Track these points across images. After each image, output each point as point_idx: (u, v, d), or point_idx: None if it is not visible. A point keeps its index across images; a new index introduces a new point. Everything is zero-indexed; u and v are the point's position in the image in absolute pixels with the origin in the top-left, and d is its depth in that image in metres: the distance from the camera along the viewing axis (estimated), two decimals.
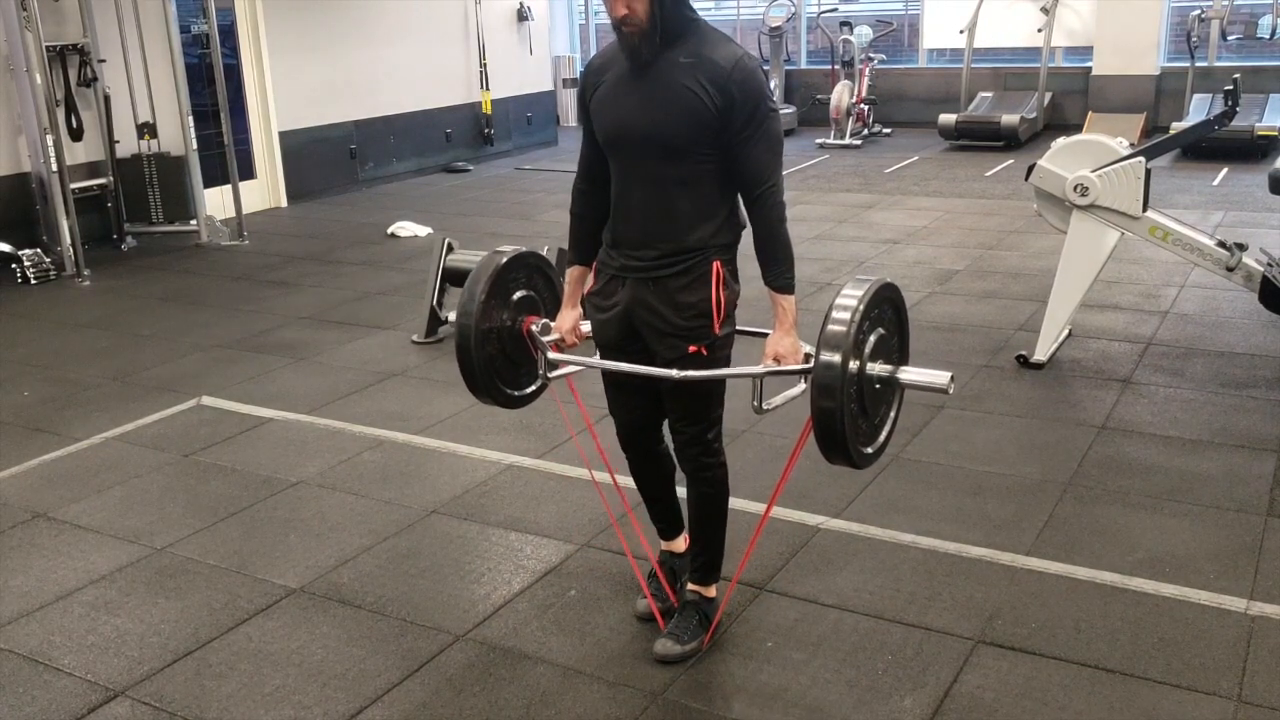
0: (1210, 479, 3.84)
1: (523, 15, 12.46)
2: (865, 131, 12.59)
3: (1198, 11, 11.32)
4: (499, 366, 2.89)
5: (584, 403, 3.28)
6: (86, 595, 3.31)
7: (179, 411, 4.82)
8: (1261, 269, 4.84)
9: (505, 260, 2.86)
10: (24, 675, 2.92)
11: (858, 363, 2.45)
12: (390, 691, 2.80)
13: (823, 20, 13.72)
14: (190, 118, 8.21)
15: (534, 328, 2.89)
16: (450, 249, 5.71)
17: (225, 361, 5.50)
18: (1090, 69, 12.35)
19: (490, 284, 2.81)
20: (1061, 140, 5.06)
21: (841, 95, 12.11)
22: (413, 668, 2.90)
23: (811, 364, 2.46)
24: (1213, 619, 2.99)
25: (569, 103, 14.43)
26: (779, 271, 2.65)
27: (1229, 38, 11.96)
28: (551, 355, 2.88)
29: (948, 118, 11.78)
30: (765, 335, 2.71)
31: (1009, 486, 3.84)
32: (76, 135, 7.91)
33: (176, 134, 8.32)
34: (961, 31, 12.26)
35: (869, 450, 2.57)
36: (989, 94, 12.45)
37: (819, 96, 13.35)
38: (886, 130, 12.96)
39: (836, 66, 12.92)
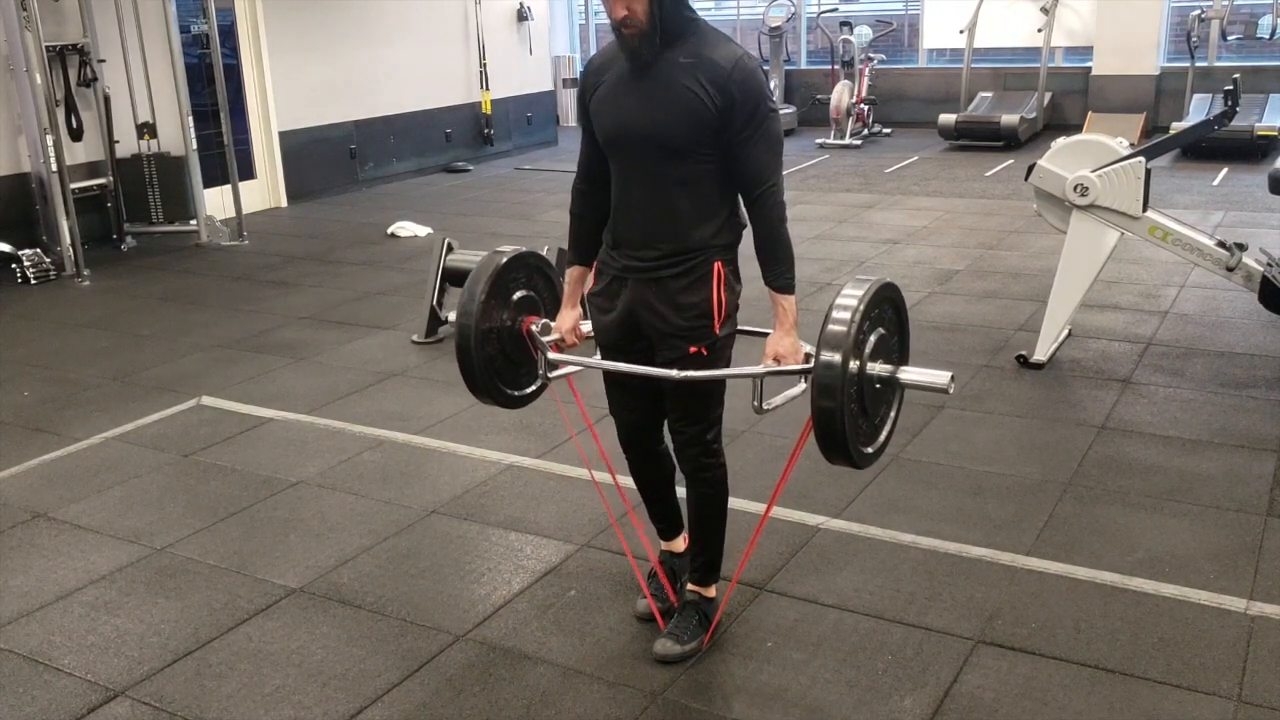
0: (1210, 479, 3.84)
1: (523, 15, 12.46)
2: (865, 131, 12.59)
3: (1198, 11, 11.32)
4: (499, 366, 2.89)
5: (584, 403, 3.28)
6: (86, 595, 3.31)
7: (179, 411, 4.83)
8: (1261, 269, 4.84)
9: (505, 260, 2.86)
10: (24, 675, 2.92)
11: (858, 363, 2.45)
12: (390, 691, 2.80)
13: (823, 20, 13.72)
14: (190, 118, 8.21)
15: (534, 328, 2.89)
16: (450, 249, 5.71)
17: (225, 361, 5.50)
18: (1090, 69, 12.35)
19: (490, 284, 2.81)
20: (1061, 140, 5.06)
21: (841, 95, 12.12)
22: (413, 668, 2.90)
23: (812, 364, 2.46)
24: (1213, 619, 2.99)
25: (569, 103, 14.43)
26: (779, 271, 2.65)
27: (1229, 38, 11.96)
28: (551, 355, 2.88)
29: (948, 118, 11.78)
30: (765, 335, 2.71)
31: (1009, 486, 3.84)
32: (76, 135, 7.91)
33: (176, 134, 8.32)
34: (961, 31, 12.26)
35: (869, 450, 2.57)
36: (989, 94, 12.45)
37: (819, 96, 13.35)
38: (886, 130, 12.96)
39: (836, 66, 12.92)
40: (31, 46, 7.11)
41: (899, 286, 2.62)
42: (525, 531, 3.62)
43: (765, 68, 11.56)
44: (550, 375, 2.92)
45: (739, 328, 2.80)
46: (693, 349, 2.68)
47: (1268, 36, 11.16)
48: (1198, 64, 11.58)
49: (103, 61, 8.07)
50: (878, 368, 2.52)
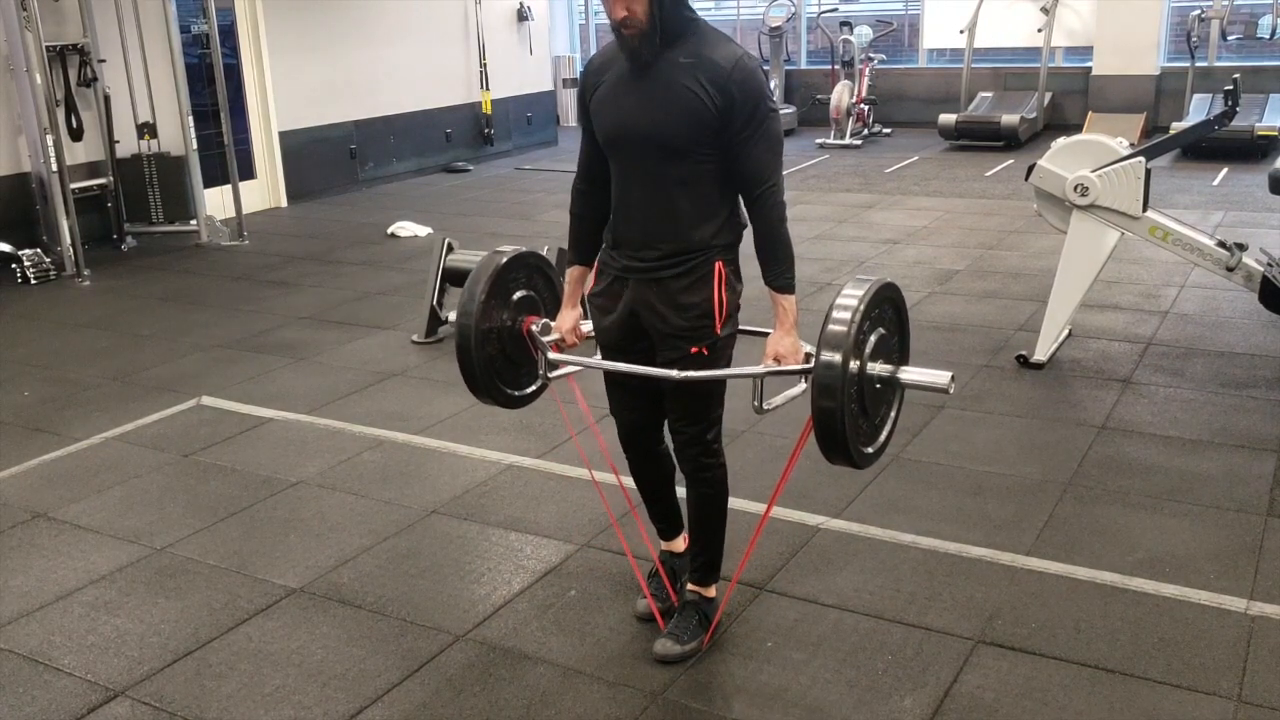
0: (1210, 479, 3.84)
1: (523, 15, 12.46)
2: (865, 131, 12.59)
3: (1198, 11, 11.32)
4: (499, 366, 2.89)
5: (585, 402, 3.28)
6: (86, 595, 3.31)
7: (179, 411, 4.83)
8: (1261, 269, 4.84)
9: (505, 260, 2.86)
10: (24, 675, 2.92)
11: (858, 362, 2.45)
12: (390, 691, 2.80)
13: (823, 20, 13.72)
14: (190, 118, 8.21)
15: (534, 328, 2.89)
16: (450, 249, 5.71)
17: (225, 361, 5.50)
18: (1090, 69, 12.35)
19: (490, 284, 2.81)
20: (1061, 140, 5.06)
21: (841, 95, 12.11)
22: (413, 668, 2.90)
23: (812, 364, 2.46)
24: (1213, 619, 2.99)
25: (569, 103, 14.43)
26: (779, 271, 2.65)
27: (1229, 38, 11.96)
28: (552, 355, 2.88)
29: (948, 118, 11.79)
30: (766, 335, 2.71)
31: (1009, 486, 3.84)
32: (76, 135, 7.91)
33: (176, 134, 8.32)
34: (961, 31, 12.26)
35: (869, 450, 2.57)
36: (989, 94, 12.45)
37: (819, 96, 13.35)
38: (886, 130, 12.96)
39: (836, 66, 12.92)
40: (31, 46, 7.11)
41: (899, 286, 2.62)
42: (525, 531, 3.62)
43: (765, 68, 11.55)
44: (550, 375, 2.92)
45: (739, 327, 2.80)
46: (694, 349, 2.68)
47: (1268, 36, 11.16)
48: (1198, 64, 11.59)
49: (103, 61, 8.07)
50: (878, 368, 2.52)
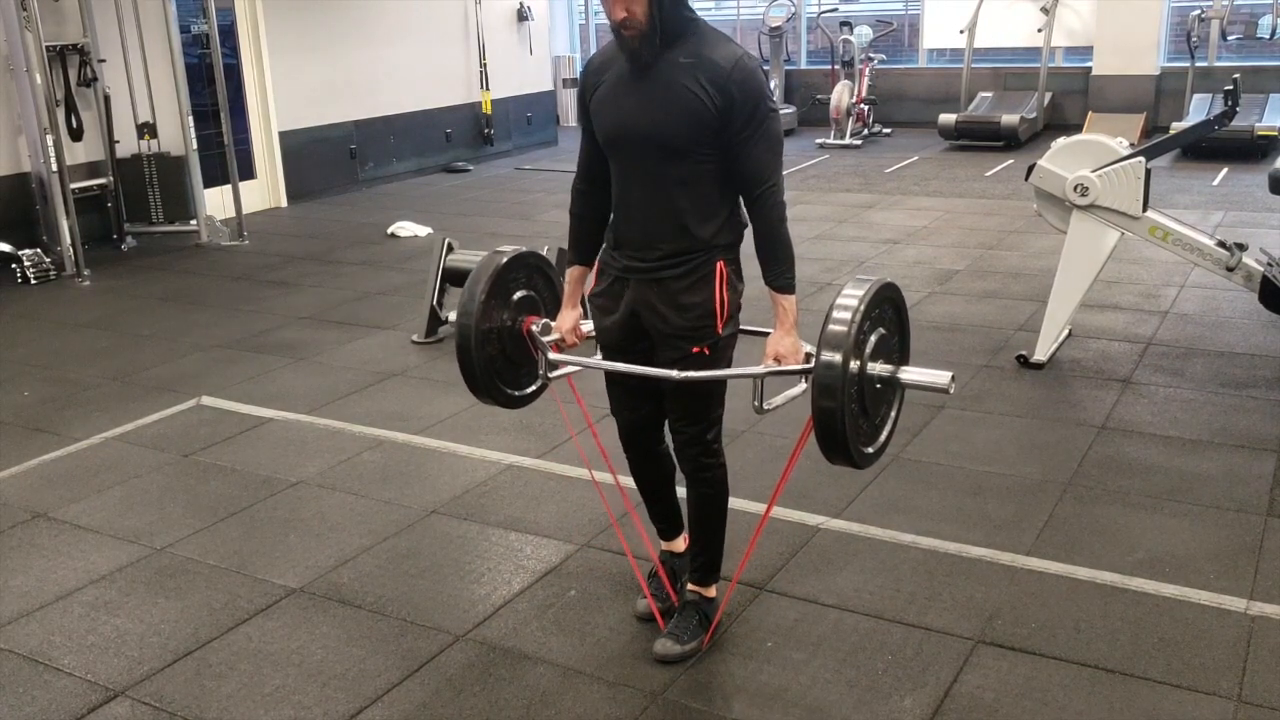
0: (1210, 479, 3.84)
1: (523, 15, 12.46)
2: (865, 131, 12.59)
3: (1198, 11, 11.32)
4: (499, 366, 2.89)
5: (584, 402, 3.28)
6: (86, 595, 3.31)
7: (179, 411, 4.82)
8: (1261, 269, 4.84)
9: (505, 260, 2.86)
10: (24, 675, 2.92)
11: (858, 362, 2.45)
12: (390, 691, 2.80)
13: (823, 20, 13.72)
14: (190, 118, 8.21)
15: (534, 328, 2.89)
16: (450, 249, 5.71)
17: (225, 361, 5.50)
18: (1090, 69, 12.35)
19: (490, 284, 2.81)
20: (1061, 140, 5.06)
21: (841, 95, 12.11)
22: (413, 668, 2.90)
23: (812, 364, 2.46)
24: (1213, 619, 2.99)
25: (569, 103, 14.43)
26: (779, 271, 2.65)
27: (1229, 38, 11.96)
28: (552, 355, 2.88)
29: (948, 118, 11.79)
30: (766, 335, 2.71)
31: (1009, 486, 3.84)
32: (76, 135, 7.91)
33: (176, 134, 8.32)
34: (961, 31, 12.26)
35: (870, 450, 2.57)
36: (989, 94, 12.45)
37: (819, 96, 13.35)
38: (886, 130, 12.96)
39: (836, 66, 12.92)
40: (31, 46, 7.11)
41: (899, 286, 2.62)
42: (525, 531, 3.62)
43: (765, 68, 11.54)
44: (550, 375, 2.92)
45: (740, 327, 2.80)
46: (695, 349, 2.68)
47: (1268, 36, 11.16)
48: (1198, 64, 11.59)
49: (103, 61, 8.07)
50: (878, 368, 2.52)
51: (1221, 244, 4.88)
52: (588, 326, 2.90)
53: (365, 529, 3.68)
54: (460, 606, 3.19)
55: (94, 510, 3.88)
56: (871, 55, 12.87)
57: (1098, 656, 2.84)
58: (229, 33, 9.20)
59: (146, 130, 8.38)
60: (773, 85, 12.88)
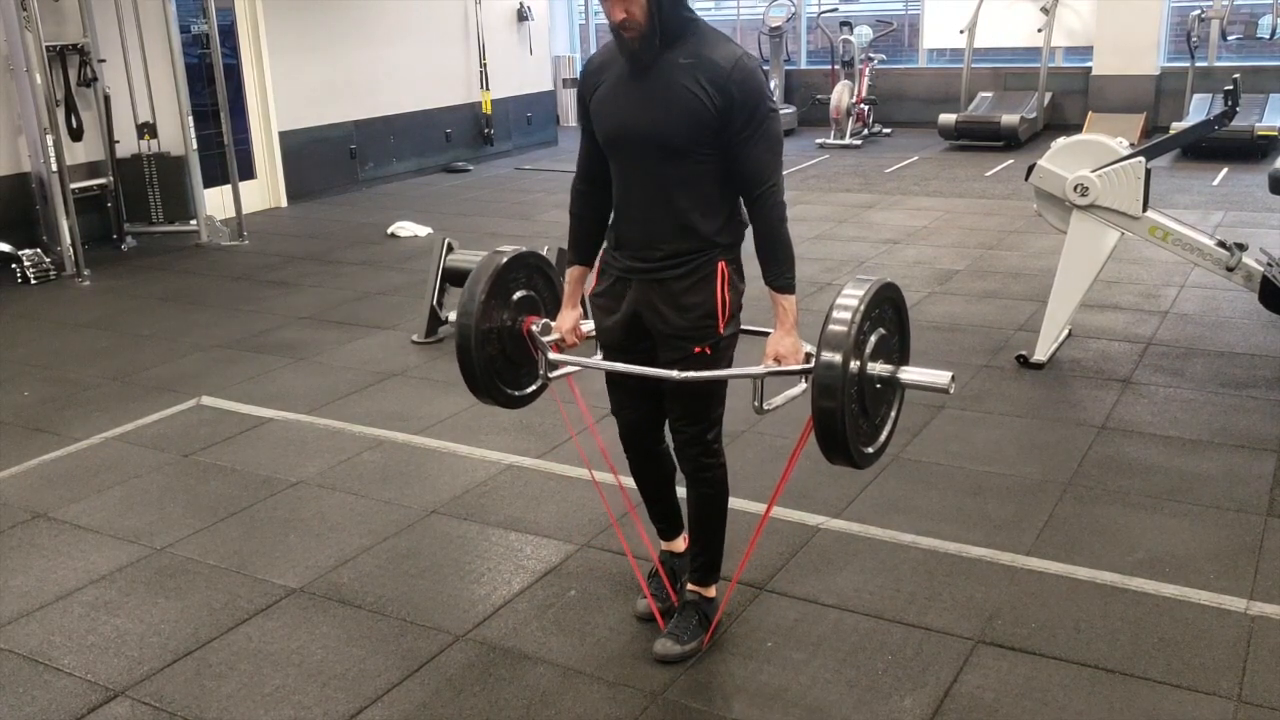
0: (1210, 479, 3.84)
1: (523, 15, 12.46)
2: (865, 131, 12.59)
3: (1198, 11, 11.32)
4: (499, 367, 2.89)
5: (584, 402, 3.28)
6: (86, 595, 3.31)
7: (179, 411, 4.83)
8: (1261, 269, 4.84)
9: (505, 260, 2.86)
10: (24, 675, 2.92)
11: (859, 363, 2.45)
12: (390, 691, 2.80)
13: (823, 20, 13.72)
14: (190, 118, 8.21)
15: (534, 328, 2.89)
16: (450, 249, 5.71)
17: (225, 361, 5.50)
18: (1090, 69, 12.35)
19: (490, 284, 2.81)
20: (1061, 140, 5.06)
21: (841, 95, 12.11)
22: (413, 668, 2.90)
23: (812, 364, 2.46)
24: (1213, 619, 2.99)
25: (569, 103, 14.43)
26: (779, 271, 2.65)
27: (1229, 38, 11.96)
28: (552, 355, 2.88)
29: (948, 118, 11.79)
30: (766, 334, 2.71)
31: (1009, 486, 3.84)
32: (76, 135, 7.91)
33: (176, 134, 8.32)
34: (961, 31, 12.26)
35: (870, 450, 2.57)
36: (989, 94, 12.45)
37: (819, 96, 13.35)
38: (886, 130, 12.96)
39: (836, 66, 12.92)
40: (31, 46, 7.11)
41: (899, 286, 2.62)
42: (525, 531, 3.62)
43: (765, 68, 11.53)
44: (550, 375, 2.92)
45: (740, 327, 2.80)
46: (697, 349, 2.68)
47: (1268, 36, 11.16)
48: (1198, 64, 11.59)
49: (103, 61, 8.07)
50: (878, 368, 2.52)
51: (1221, 244, 4.88)
52: (588, 326, 2.90)
53: (365, 529, 3.68)
54: (460, 606, 3.19)
55: (94, 510, 3.88)
56: (871, 55, 12.87)
57: (1098, 656, 2.84)
58: (229, 33, 9.20)
59: (146, 130, 8.38)
60: (773, 85, 12.88)
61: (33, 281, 7.23)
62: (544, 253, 3.03)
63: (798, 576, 3.27)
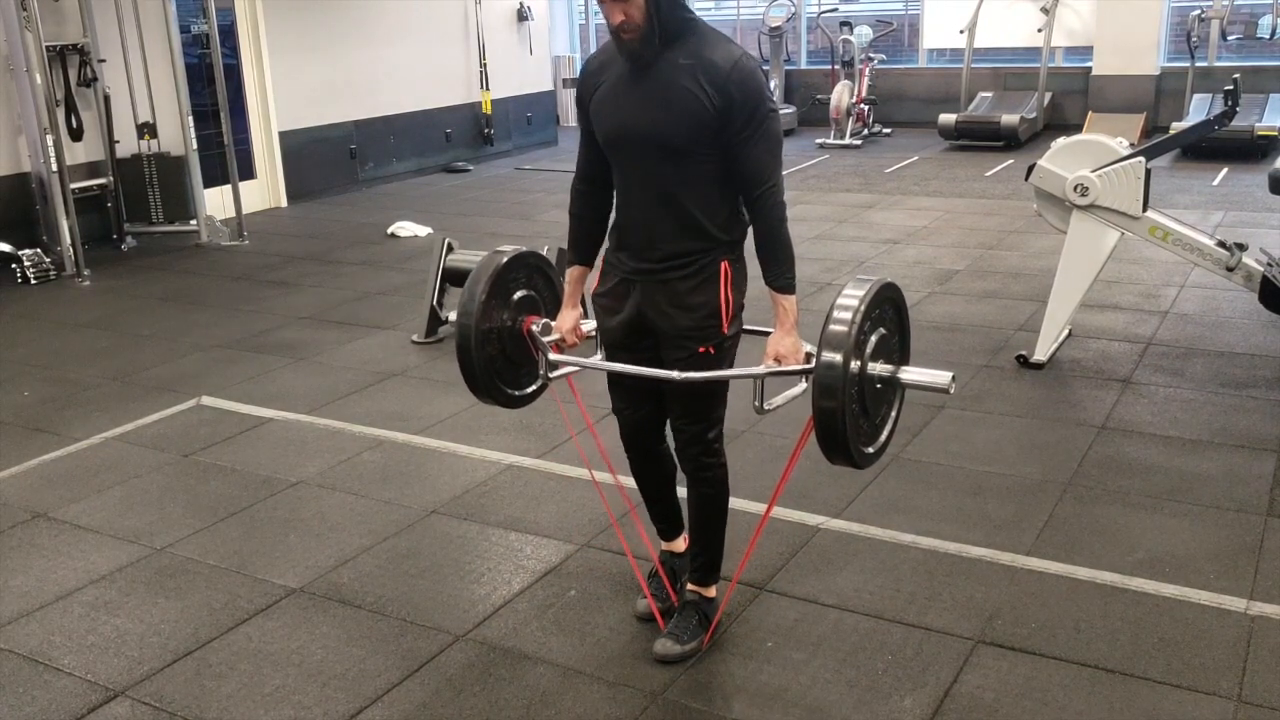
0: (1210, 479, 3.84)
1: (523, 15, 12.46)
2: (865, 131, 12.59)
3: (1198, 11, 11.32)
4: (499, 366, 2.89)
5: (584, 402, 3.28)
6: (86, 595, 3.31)
7: (179, 411, 4.82)
8: (1261, 269, 4.84)
9: (505, 260, 2.86)
10: (24, 675, 2.92)
11: (859, 363, 2.45)
12: (390, 691, 2.80)
13: (823, 20, 13.72)
14: (190, 118, 8.21)
15: (534, 328, 2.89)
16: (450, 249, 5.71)
17: (225, 361, 5.50)
18: (1090, 69, 12.35)
19: (490, 284, 2.81)
20: (1061, 140, 5.06)
21: (841, 95, 12.11)
22: (413, 668, 2.90)
23: (813, 364, 2.46)
24: (1213, 619, 2.99)
25: (569, 103, 14.42)
26: (779, 271, 2.65)
27: (1229, 38, 11.96)
28: (552, 355, 2.88)
29: (948, 118, 11.79)
30: (767, 334, 2.72)
31: (1009, 486, 3.84)
32: (76, 135, 7.91)
33: (176, 134, 8.32)
34: (961, 31, 12.26)
35: (870, 450, 2.57)
36: (989, 94, 12.46)
37: (819, 96, 13.35)
38: (886, 130, 12.96)
39: (836, 66, 12.93)
40: (31, 46, 7.11)
41: (899, 286, 2.62)
42: (525, 531, 3.62)
43: (765, 68, 11.56)
44: (551, 375, 2.92)
45: (742, 327, 2.80)
46: (700, 349, 2.69)
47: (1268, 36, 11.16)
48: (1198, 64, 11.59)
49: (103, 61, 8.07)
50: (879, 368, 2.52)
51: (1221, 244, 4.88)
52: (588, 326, 2.90)
53: (365, 529, 3.68)
54: (460, 606, 3.19)
55: (94, 510, 3.88)
56: (871, 55, 12.87)
57: (1098, 656, 2.84)
58: (229, 33, 9.20)
59: (146, 130, 8.38)
60: (773, 85, 12.89)
61: (33, 281, 7.24)
62: (544, 253, 3.03)
63: (798, 576, 3.27)
